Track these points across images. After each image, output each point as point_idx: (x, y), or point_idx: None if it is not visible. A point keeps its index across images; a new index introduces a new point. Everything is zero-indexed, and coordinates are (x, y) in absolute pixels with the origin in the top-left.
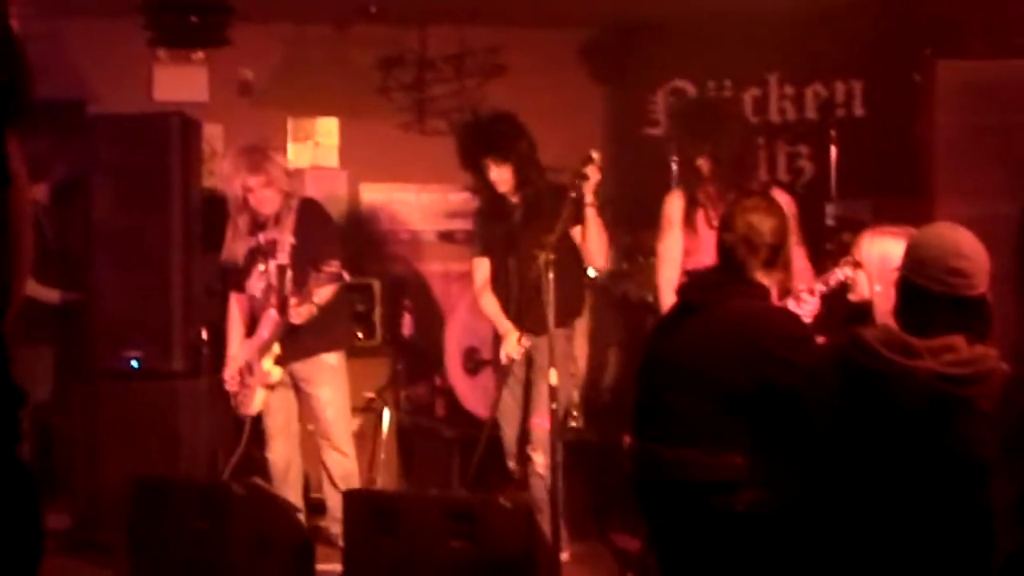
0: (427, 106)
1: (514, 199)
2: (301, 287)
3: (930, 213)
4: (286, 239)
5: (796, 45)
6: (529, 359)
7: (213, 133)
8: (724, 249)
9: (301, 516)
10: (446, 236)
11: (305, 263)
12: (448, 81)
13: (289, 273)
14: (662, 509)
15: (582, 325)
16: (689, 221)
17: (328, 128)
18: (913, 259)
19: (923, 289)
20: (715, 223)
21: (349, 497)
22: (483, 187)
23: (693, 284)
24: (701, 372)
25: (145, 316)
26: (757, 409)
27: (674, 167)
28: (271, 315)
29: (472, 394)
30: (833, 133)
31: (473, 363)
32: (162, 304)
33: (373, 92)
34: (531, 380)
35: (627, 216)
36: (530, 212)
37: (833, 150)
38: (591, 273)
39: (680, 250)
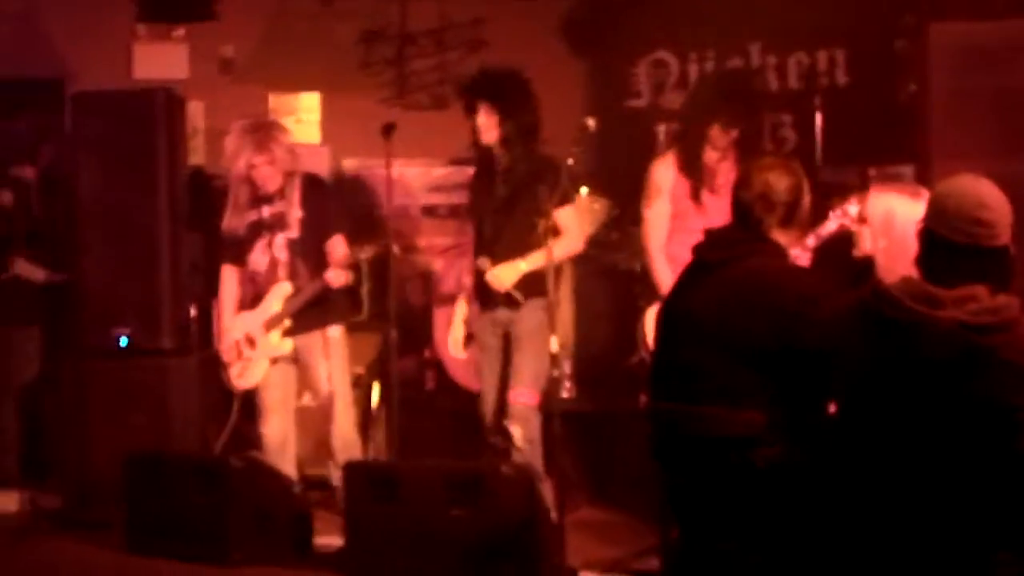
0: (409, 80)
1: (502, 164)
2: (311, 260)
3: (925, 176)
4: (294, 213)
5: (777, 14)
6: (506, 331)
7: (194, 110)
8: (741, 207)
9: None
10: (428, 211)
11: (315, 236)
12: (429, 55)
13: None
14: (681, 467)
15: (566, 293)
16: (692, 190)
17: (310, 104)
18: (936, 209)
19: (946, 239)
20: (719, 189)
21: (349, 469)
22: (475, 151)
23: (710, 242)
24: (719, 329)
25: (133, 294)
26: (776, 365)
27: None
28: (282, 287)
29: (463, 366)
30: (817, 101)
31: (465, 335)
32: (150, 281)
33: (354, 67)
34: (509, 352)
35: (613, 187)
36: (519, 179)
37: (817, 118)
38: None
39: (668, 216)
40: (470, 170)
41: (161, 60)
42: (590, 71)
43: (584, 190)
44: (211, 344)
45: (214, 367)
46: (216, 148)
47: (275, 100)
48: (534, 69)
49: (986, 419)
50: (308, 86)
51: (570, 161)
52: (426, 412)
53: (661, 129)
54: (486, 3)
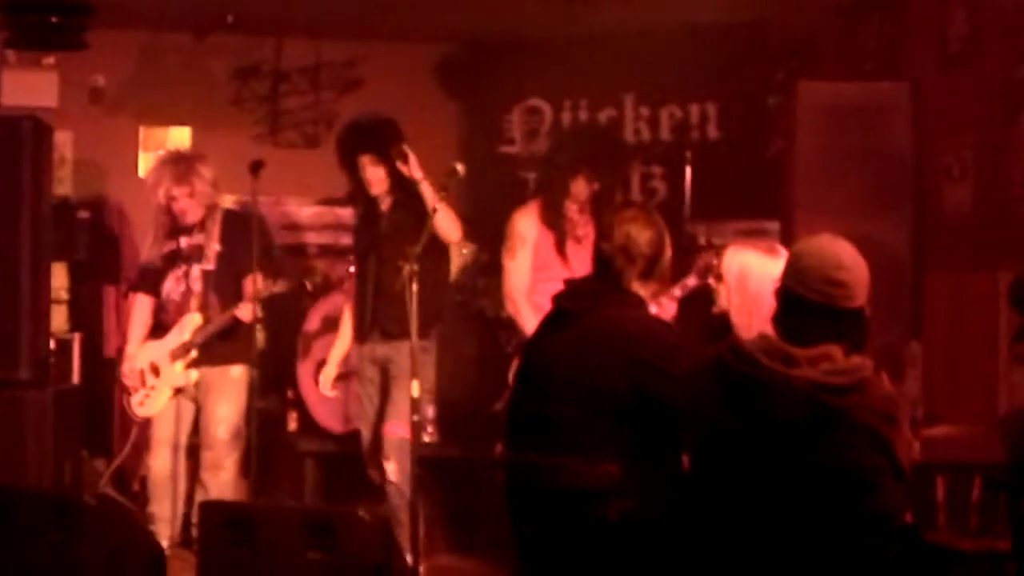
0: (281, 118)
1: (384, 206)
2: (225, 294)
3: (790, 232)
4: (212, 246)
5: (652, 66)
6: (384, 367)
7: (62, 140)
8: (602, 258)
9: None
10: (297, 249)
11: (231, 271)
12: (303, 93)
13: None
14: (534, 518)
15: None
16: (557, 242)
17: (180, 138)
18: (794, 269)
19: (802, 299)
20: (582, 240)
21: (204, 508)
22: (357, 192)
23: (569, 292)
24: (576, 380)
25: None
26: (632, 417)
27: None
28: (192, 319)
29: (324, 407)
30: (687, 154)
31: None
32: (10, 312)
33: (227, 103)
34: (386, 387)
35: (482, 232)
36: (397, 221)
37: (687, 171)
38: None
39: (530, 266)
40: (339, 211)
41: (30, 87)
42: (464, 115)
43: None
44: (70, 377)
45: (72, 400)
46: (83, 178)
47: (145, 133)
48: (408, 111)
49: (836, 479)
50: (179, 120)
51: (435, 207)
52: (287, 453)
53: (532, 176)
54: (361, 43)
